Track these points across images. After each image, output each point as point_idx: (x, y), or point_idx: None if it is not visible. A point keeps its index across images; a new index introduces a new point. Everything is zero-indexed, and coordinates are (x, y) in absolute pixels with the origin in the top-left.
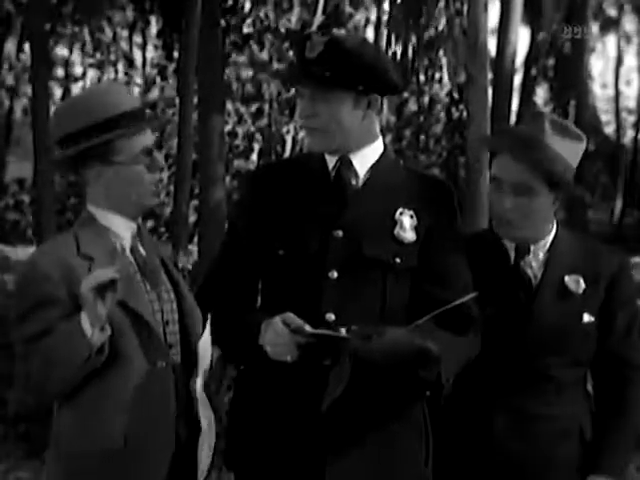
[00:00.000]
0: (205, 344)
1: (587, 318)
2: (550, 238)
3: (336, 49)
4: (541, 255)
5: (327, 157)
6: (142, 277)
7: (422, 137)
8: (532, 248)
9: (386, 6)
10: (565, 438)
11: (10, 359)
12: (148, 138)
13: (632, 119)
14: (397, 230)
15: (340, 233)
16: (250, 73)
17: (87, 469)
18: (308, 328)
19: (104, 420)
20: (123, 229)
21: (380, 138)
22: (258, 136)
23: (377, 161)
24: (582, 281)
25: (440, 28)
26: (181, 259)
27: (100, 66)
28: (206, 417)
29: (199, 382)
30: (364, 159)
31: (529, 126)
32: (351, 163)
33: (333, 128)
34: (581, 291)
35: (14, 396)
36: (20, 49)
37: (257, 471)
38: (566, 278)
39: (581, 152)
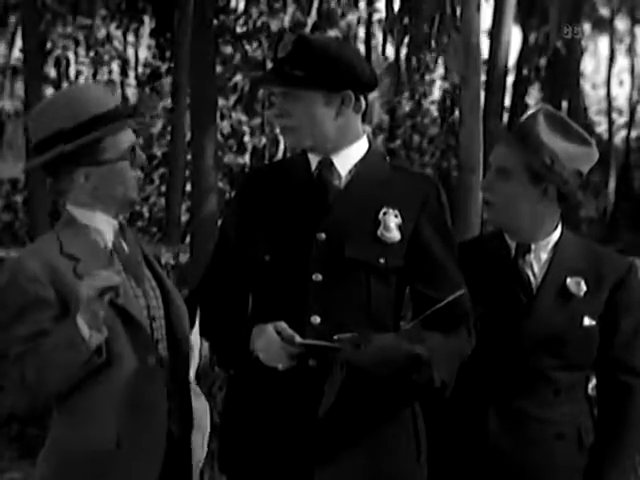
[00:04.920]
0: (195, 338)
1: (588, 322)
2: (553, 239)
3: (303, 47)
4: (544, 255)
5: (310, 158)
6: (126, 274)
7: (416, 137)
8: (533, 247)
9: (378, 6)
10: (561, 441)
11: None
12: (131, 135)
13: (624, 119)
14: (380, 230)
15: (323, 236)
16: (243, 73)
17: (79, 470)
18: (298, 339)
19: (97, 420)
20: (105, 226)
21: (364, 137)
22: (251, 135)
23: (360, 160)
24: (583, 284)
25: (434, 29)
26: (164, 255)
27: (94, 64)
28: (198, 408)
29: (191, 373)
30: (346, 159)
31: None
32: (332, 164)
33: (306, 126)
34: (582, 294)
35: (5, 399)
36: (12, 48)
37: (249, 474)
38: (568, 280)
39: (588, 158)
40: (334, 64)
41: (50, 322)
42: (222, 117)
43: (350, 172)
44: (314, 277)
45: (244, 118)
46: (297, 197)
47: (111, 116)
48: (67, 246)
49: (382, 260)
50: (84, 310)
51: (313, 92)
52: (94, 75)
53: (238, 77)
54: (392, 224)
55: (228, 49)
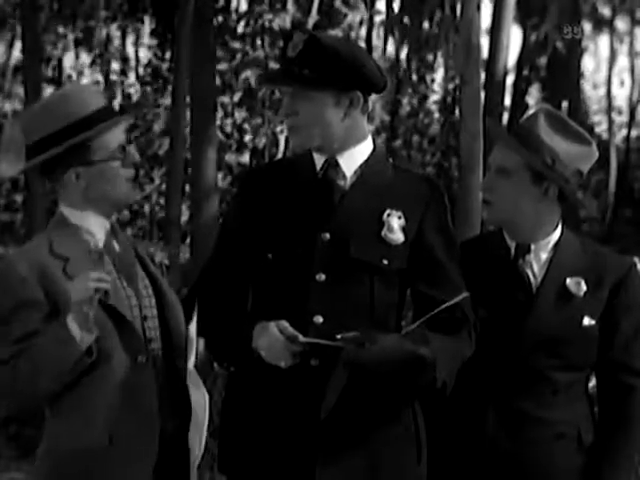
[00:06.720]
0: (193, 331)
1: (587, 322)
2: (553, 239)
3: (315, 47)
4: (544, 256)
5: (315, 158)
6: (118, 274)
7: (416, 137)
8: (532, 247)
9: (379, 6)
10: (561, 441)
11: None
12: (120, 134)
13: (624, 119)
14: (384, 232)
15: (327, 235)
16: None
17: (73, 468)
18: (301, 338)
19: (88, 419)
20: (97, 227)
21: (369, 138)
22: (251, 135)
23: (365, 161)
24: (583, 283)
25: (434, 28)
26: (158, 254)
27: (95, 65)
28: (196, 400)
29: (190, 364)
30: (351, 160)
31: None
32: (338, 164)
33: (314, 126)
34: (582, 294)
35: None
36: (12, 48)
37: (249, 475)
38: (567, 280)
39: (588, 157)
40: (345, 65)
41: (40, 322)
42: (226, 115)
43: (355, 173)
44: (317, 277)
45: (246, 114)
46: (302, 196)
47: (96, 117)
48: (57, 246)
49: (385, 261)
50: (74, 311)
51: (323, 92)
52: (94, 75)
53: (245, 74)
54: (396, 225)
55: (231, 47)
